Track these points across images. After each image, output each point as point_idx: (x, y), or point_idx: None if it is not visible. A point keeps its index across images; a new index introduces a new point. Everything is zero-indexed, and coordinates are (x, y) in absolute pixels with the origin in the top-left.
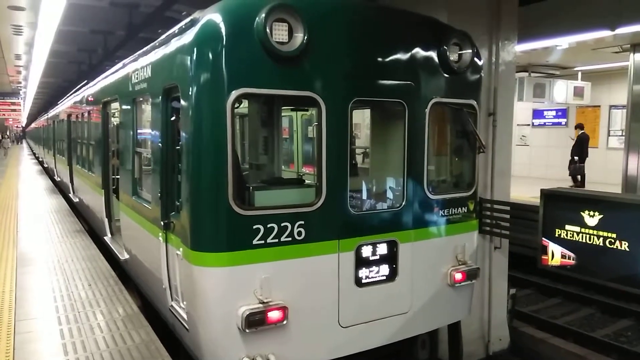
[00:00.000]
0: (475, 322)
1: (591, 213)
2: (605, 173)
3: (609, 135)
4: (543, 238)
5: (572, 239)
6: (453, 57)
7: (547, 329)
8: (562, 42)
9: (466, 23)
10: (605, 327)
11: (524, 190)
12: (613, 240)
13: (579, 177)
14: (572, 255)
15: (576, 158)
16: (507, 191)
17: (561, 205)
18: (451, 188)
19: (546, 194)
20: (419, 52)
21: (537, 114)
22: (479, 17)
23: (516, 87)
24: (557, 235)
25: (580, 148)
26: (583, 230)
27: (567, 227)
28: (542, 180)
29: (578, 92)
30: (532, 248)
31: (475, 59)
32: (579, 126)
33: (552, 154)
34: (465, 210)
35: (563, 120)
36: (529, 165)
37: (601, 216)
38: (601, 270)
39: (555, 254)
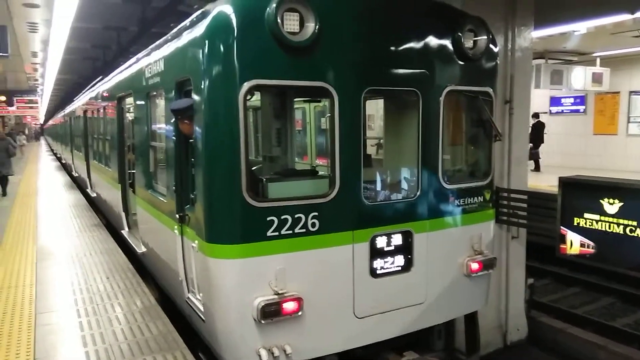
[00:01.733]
0: (493, 312)
1: (611, 201)
2: (625, 160)
3: (628, 122)
4: (561, 227)
5: (591, 227)
6: (468, 43)
7: (566, 318)
8: (580, 27)
9: (481, 9)
10: (625, 317)
11: (542, 179)
12: (634, 228)
13: (533, 162)
14: (591, 243)
15: (531, 145)
16: (524, 180)
17: (580, 193)
18: (467, 177)
19: (565, 182)
20: (432, 39)
21: (555, 101)
22: (494, 3)
23: (533, 74)
24: (575, 223)
25: (536, 135)
26: (603, 218)
27: (586, 215)
28: (559, 169)
29: (597, 79)
30: (550, 237)
31: (491, 46)
32: (535, 115)
33: (570, 142)
34: (482, 200)
35: (581, 108)
36: (547, 153)
37: (621, 204)
38: (621, 259)
39: (574, 243)
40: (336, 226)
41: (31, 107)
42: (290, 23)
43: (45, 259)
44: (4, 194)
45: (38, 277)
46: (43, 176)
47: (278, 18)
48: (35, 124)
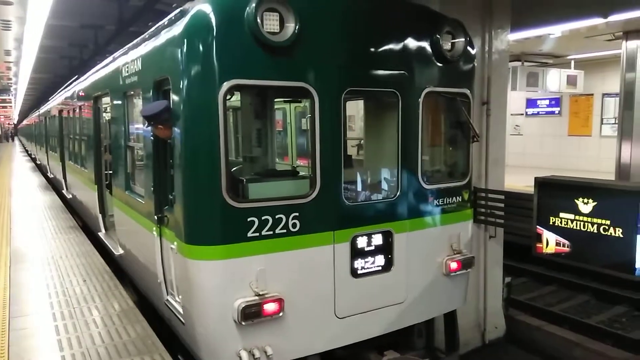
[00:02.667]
0: (471, 311)
1: (585, 200)
2: (598, 161)
3: (602, 123)
4: (537, 226)
5: (566, 226)
6: (446, 45)
7: (543, 316)
8: (555, 31)
9: (459, 11)
10: (600, 314)
11: (518, 180)
12: (607, 227)
13: None
14: (566, 242)
15: None
16: (501, 180)
17: (555, 193)
18: (445, 178)
19: (540, 182)
20: (411, 41)
21: (531, 103)
22: (471, 6)
23: (510, 76)
24: (551, 223)
25: None
26: (577, 217)
27: (562, 214)
28: (536, 170)
29: (571, 81)
30: (526, 236)
31: (468, 48)
32: None
33: (545, 143)
34: (460, 200)
35: (556, 109)
36: (523, 154)
37: (595, 203)
38: (596, 257)
39: (550, 242)
40: (317, 226)
41: (4, 107)
42: (270, 23)
43: (20, 261)
44: None
45: (12, 280)
46: (17, 177)
47: (258, 18)
48: (9, 124)
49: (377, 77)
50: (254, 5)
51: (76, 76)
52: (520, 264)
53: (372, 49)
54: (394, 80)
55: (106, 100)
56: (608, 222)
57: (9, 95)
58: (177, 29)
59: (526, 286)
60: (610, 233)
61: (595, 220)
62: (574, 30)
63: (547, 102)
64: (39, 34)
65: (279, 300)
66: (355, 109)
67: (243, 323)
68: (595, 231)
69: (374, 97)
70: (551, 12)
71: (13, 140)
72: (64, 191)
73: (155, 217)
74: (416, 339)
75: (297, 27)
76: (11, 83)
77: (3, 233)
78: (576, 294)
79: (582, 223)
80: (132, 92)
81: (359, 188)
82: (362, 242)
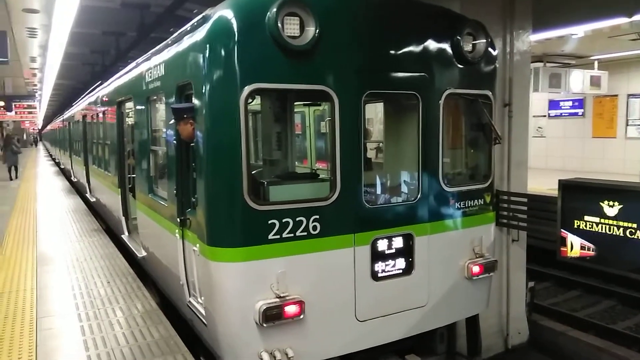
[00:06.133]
0: (494, 316)
1: (611, 203)
2: (623, 163)
3: (627, 124)
4: (562, 229)
5: (591, 229)
6: (467, 47)
7: (567, 321)
8: (578, 31)
9: (479, 13)
10: (626, 319)
11: (541, 182)
12: (634, 231)
13: None
14: (591, 246)
15: None
16: (524, 183)
17: (580, 195)
18: (467, 180)
19: (564, 185)
20: (432, 43)
21: (553, 104)
22: (492, 7)
23: (531, 78)
24: (576, 226)
25: None
26: (602, 220)
27: (586, 217)
28: (559, 172)
29: (595, 82)
30: (550, 240)
31: (490, 49)
32: None
33: (569, 145)
34: (482, 203)
35: (580, 111)
36: (546, 157)
37: (621, 206)
38: (622, 261)
39: (575, 246)
40: (337, 229)
41: (30, 113)
42: (290, 27)
43: (46, 263)
44: (16, 177)
45: (38, 281)
46: (42, 181)
47: (278, 22)
48: (34, 129)
49: (397, 79)
50: (274, 9)
51: (99, 82)
52: (543, 268)
53: (392, 52)
54: (414, 83)
55: (129, 105)
56: (635, 226)
57: (34, 101)
58: (200, 34)
59: (550, 291)
60: (637, 236)
61: (621, 223)
62: (597, 30)
63: (570, 103)
64: (63, 41)
65: (300, 303)
66: (373, 112)
67: (264, 325)
68: (622, 235)
69: (394, 99)
70: (573, 12)
71: (37, 145)
72: (88, 195)
73: (178, 219)
74: (438, 344)
75: (317, 30)
76: (36, 89)
77: (30, 236)
78: (601, 299)
79: (607, 226)
80: (155, 97)
81: (379, 191)
82: (382, 245)
